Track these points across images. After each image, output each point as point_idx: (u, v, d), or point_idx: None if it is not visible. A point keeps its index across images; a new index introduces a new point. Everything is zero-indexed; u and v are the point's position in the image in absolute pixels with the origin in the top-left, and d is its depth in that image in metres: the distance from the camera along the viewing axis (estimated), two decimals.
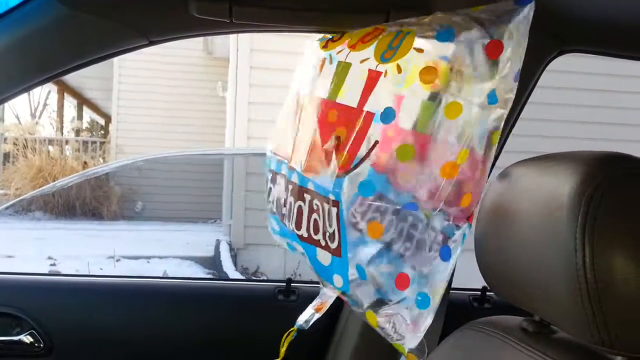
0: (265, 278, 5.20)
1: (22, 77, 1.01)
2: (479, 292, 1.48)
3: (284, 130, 1.06)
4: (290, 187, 1.00)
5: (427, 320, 0.91)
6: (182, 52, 8.34)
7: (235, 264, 5.45)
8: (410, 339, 0.92)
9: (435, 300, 0.91)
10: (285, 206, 1.02)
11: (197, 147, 8.50)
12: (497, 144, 0.87)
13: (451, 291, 1.38)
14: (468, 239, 0.93)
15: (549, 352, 0.72)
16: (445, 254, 0.90)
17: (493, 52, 0.81)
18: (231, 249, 5.69)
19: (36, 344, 1.27)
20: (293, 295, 1.39)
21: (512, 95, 0.84)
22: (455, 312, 1.26)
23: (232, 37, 5.34)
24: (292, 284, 1.40)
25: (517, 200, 0.76)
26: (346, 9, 1.02)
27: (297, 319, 1.07)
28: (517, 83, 0.83)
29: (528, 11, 0.80)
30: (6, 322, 1.28)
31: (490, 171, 1.28)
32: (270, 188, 1.09)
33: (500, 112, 0.85)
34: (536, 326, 0.79)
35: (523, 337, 0.78)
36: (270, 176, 1.09)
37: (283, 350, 1.07)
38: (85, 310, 1.35)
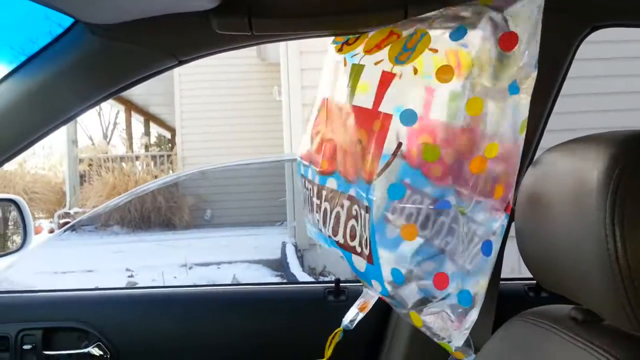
0: (333, 276, 5.24)
1: (64, 107, 1.09)
2: (535, 282, 1.41)
3: (311, 136, 1.07)
4: (324, 192, 1.01)
5: (472, 316, 0.90)
6: (238, 61, 8.51)
7: (302, 264, 5.53)
8: (456, 337, 0.91)
9: (479, 296, 0.90)
10: (318, 212, 1.03)
11: (259, 151, 8.66)
12: (524, 132, 0.85)
13: (505, 281, 1.35)
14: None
15: (596, 341, 0.69)
16: (488, 249, 0.89)
17: (508, 44, 0.80)
18: (297, 250, 5.77)
19: (104, 355, 1.35)
20: (342, 295, 1.40)
21: (532, 82, 0.82)
22: (510, 303, 1.23)
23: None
24: (341, 284, 1.41)
25: (550, 188, 0.74)
26: (364, 9, 1.02)
27: None
28: (536, 70, 0.81)
29: None
30: (74, 336, 1.37)
31: (533, 157, 1.25)
32: (305, 193, 1.11)
33: (523, 101, 0.84)
34: (585, 314, 0.76)
35: (571, 326, 0.75)
36: (302, 181, 1.11)
37: (329, 351, 1.09)
38: (146, 320, 1.42)
